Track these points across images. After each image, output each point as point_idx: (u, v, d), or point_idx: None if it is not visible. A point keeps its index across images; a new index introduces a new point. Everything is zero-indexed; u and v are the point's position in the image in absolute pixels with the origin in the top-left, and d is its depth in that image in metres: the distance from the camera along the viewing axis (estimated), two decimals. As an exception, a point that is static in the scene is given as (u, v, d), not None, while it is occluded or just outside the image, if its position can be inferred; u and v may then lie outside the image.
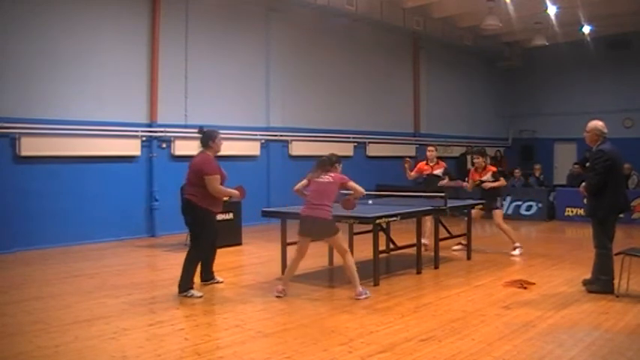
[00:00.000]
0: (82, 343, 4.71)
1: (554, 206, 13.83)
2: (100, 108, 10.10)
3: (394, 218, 7.01)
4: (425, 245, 8.46)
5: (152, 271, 8.22)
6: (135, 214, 10.67)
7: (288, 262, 6.34)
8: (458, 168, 15.93)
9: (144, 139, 10.72)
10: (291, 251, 7.29)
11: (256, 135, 12.57)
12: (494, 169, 9.32)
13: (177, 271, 7.74)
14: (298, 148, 13.35)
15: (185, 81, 11.36)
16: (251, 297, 6.31)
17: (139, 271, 8.01)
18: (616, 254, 6.22)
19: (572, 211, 13.31)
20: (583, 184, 6.53)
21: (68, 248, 9.29)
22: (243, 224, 9.91)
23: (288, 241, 7.40)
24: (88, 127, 9.86)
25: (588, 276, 6.55)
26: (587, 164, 6.97)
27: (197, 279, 6.76)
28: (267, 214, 7.86)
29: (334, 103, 14.38)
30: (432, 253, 7.95)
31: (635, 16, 14.79)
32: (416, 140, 16.70)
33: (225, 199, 6.57)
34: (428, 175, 9.68)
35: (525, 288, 6.66)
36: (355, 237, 7.99)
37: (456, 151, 17.45)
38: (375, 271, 6.80)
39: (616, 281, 6.19)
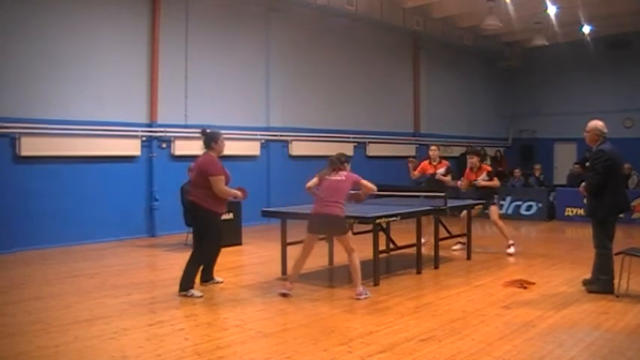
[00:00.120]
0: (82, 343, 4.71)
1: (554, 206, 13.83)
2: (100, 108, 10.10)
3: (394, 218, 7.02)
4: (424, 244, 8.51)
5: (152, 271, 8.22)
6: (135, 214, 10.67)
7: (294, 261, 6.33)
8: (458, 168, 15.92)
9: (144, 139, 10.72)
10: (291, 251, 7.31)
11: (256, 135, 12.57)
12: (489, 168, 9.36)
13: (177, 271, 7.73)
14: (298, 148, 13.35)
15: (185, 81, 11.36)
16: (251, 297, 6.31)
17: (139, 271, 8.01)
18: (616, 254, 6.22)
19: (572, 211, 13.31)
20: (583, 184, 6.53)
21: (68, 248, 9.29)
22: (243, 224, 9.91)
23: (288, 241, 7.41)
24: (88, 127, 9.86)
25: (588, 276, 6.55)
26: (587, 164, 6.97)
27: (197, 279, 6.77)
28: (267, 214, 7.86)
29: (334, 103, 14.38)
30: (432, 253, 7.95)
31: (635, 16, 14.79)
32: (416, 140, 16.71)
33: (229, 199, 6.59)
34: (431, 174, 9.72)
35: (525, 288, 6.66)
36: (355, 237, 7.95)
37: (456, 151, 17.45)
38: (375, 271, 6.81)
39: (616, 281, 6.19)
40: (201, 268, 6.55)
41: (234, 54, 12.28)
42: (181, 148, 11.14)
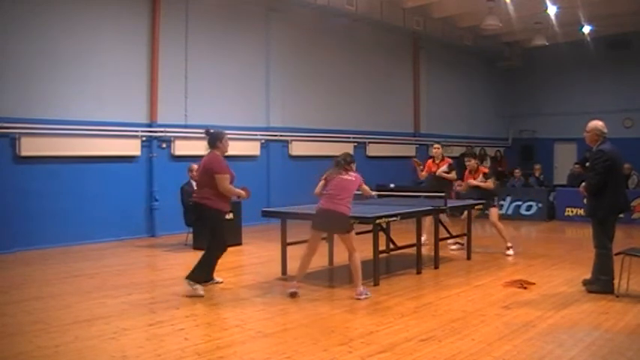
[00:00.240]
0: (82, 343, 4.71)
1: (554, 206, 13.83)
2: (100, 108, 10.10)
3: (394, 218, 7.02)
4: (424, 243, 8.62)
5: (152, 271, 8.22)
6: (135, 214, 10.67)
7: (300, 259, 6.33)
8: (458, 168, 15.91)
9: (144, 139, 10.72)
10: (291, 251, 7.32)
11: (256, 135, 12.57)
12: (485, 170, 9.33)
13: (177, 271, 7.75)
14: (298, 148, 13.35)
15: (185, 81, 11.36)
16: (251, 297, 6.31)
17: (139, 271, 8.01)
18: (616, 254, 6.22)
19: (572, 211, 13.31)
20: (583, 184, 6.53)
21: (68, 248, 9.29)
22: (243, 224, 9.91)
23: (288, 241, 7.41)
24: (88, 127, 9.86)
25: (588, 276, 6.55)
26: (587, 164, 6.97)
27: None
28: (267, 214, 7.86)
29: (334, 103, 14.38)
30: (432, 253, 7.94)
31: (635, 16, 14.79)
32: (416, 140, 16.72)
33: (234, 198, 6.61)
34: (433, 172, 9.84)
35: (525, 288, 6.66)
36: (355, 237, 7.97)
37: (456, 151, 17.44)
38: (375, 271, 6.81)
39: (616, 281, 6.19)
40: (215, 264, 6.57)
41: (234, 54, 12.28)
42: (181, 148, 11.15)
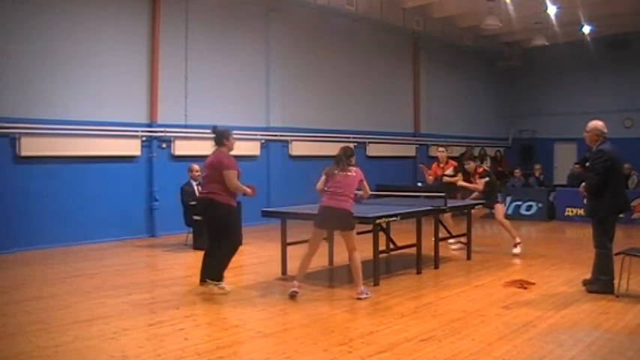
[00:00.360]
0: (82, 343, 4.71)
1: (554, 206, 13.82)
2: (100, 108, 10.10)
3: (394, 218, 7.02)
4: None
5: (152, 271, 8.22)
6: (135, 214, 10.67)
7: (300, 259, 6.32)
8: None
9: (144, 139, 10.72)
10: (291, 251, 7.32)
11: (256, 135, 12.57)
12: (480, 170, 9.28)
13: (177, 271, 7.77)
14: (298, 148, 13.35)
15: (185, 81, 11.36)
16: (251, 297, 6.31)
17: (139, 271, 8.01)
18: (616, 254, 6.22)
19: (572, 211, 13.31)
20: (583, 184, 6.53)
21: (68, 248, 9.28)
22: (243, 224, 9.87)
23: (288, 241, 7.42)
24: (88, 127, 9.86)
25: (588, 276, 6.55)
26: (587, 164, 6.97)
27: (197, 279, 6.77)
28: (267, 214, 7.86)
29: (334, 103, 14.38)
30: (432, 253, 7.94)
31: (635, 16, 14.79)
32: (416, 140, 16.72)
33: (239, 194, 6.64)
34: (439, 176, 9.98)
35: (525, 288, 6.66)
36: (356, 237, 7.98)
37: (456, 151, 17.45)
38: (375, 271, 6.81)
39: (616, 281, 6.19)
40: (199, 267, 6.56)
41: (234, 54, 12.28)
42: (181, 148, 11.15)
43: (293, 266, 6.81)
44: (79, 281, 7.05)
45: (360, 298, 6.09)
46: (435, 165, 10.20)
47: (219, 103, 11.89)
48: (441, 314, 5.59)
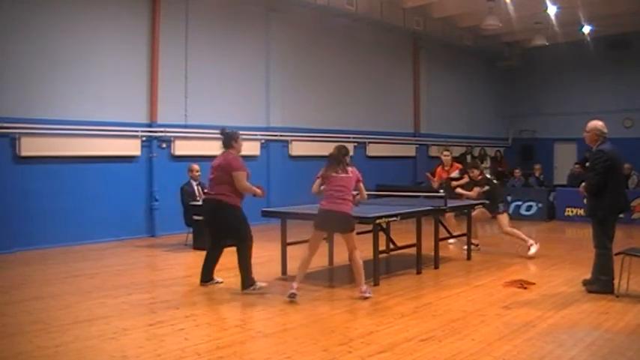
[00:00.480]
0: (82, 343, 4.71)
1: (554, 206, 13.83)
2: (100, 108, 10.10)
3: (394, 218, 7.02)
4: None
5: (152, 271, 8.22)
6: (135, 214, 10.67)
7: (300, 260, 6.30)
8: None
9: (144, 139, 10.72)
10: (291, 251, 7.31)
11: (256, 135, 12.57)
12: (479, 178, 9.24)
13: (177, 271, 7.77)
14: (298, 148, 13.35)
15: (185, 81, 11.36)
16: (251, 297, 6.30)
17: (139, 271, 8.01)
18: (616, 254, 6.22)
19: (572, 211, 13.31)
20: (583, 184, 6.53)
21: (68, 248, 9.28)
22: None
23: (288, 241, 7.42)
24: (88, 127, 9.86)
25: (588, 276, 6.55)
26: (587, 164, 6.97)
27: (196, 279, 6.77)
28: (267, 214, 7.85)
29: (334, 103, 14.38)
30: (432, 253, 7.94)
31: (635, 16, 14.79)
32: (416, 140, 16.72)
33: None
34: (445, 179, 9.99)
35: (525, 288, 6.66)
36: (355, 237, 7.98)
37: (456, 151, 17.45)
38: (375, 271, 6.80)
39: (616, 281, 6.19)
40: (199, 266, 6.57)
41: (234, 54, 12.28)
42: (181, 148, 11.15)
43: (293, 266, 6.81)
44: (79, 281, 7.05)
45: (364, 297, 6.09)
46: (439, 168, 10.20)
47: (219, 103, 11.89)
48: (441, 314, 5.59)
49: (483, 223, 10.34)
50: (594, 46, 16.90)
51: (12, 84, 9.12)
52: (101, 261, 8.42)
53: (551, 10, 14.04)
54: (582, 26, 15.55)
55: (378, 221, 6.70)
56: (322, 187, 6.27)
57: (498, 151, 18.97)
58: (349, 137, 14.40)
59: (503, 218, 8.87)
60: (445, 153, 10.27)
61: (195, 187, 9.65)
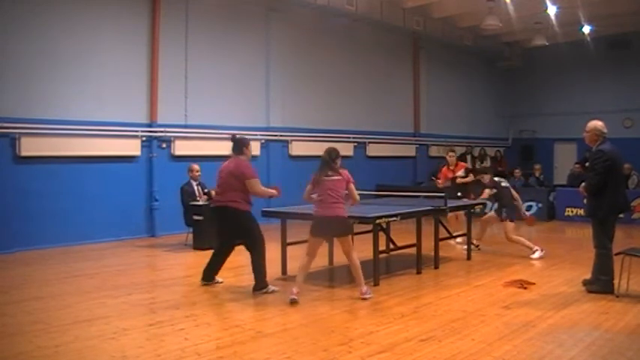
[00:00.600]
0: (82, 343, 4.71)
1: (554, 206, 13.83)
2: (100, 108, 10.10)
3: (394, 218, 7.02)
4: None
5: (152, 271, 8.22)
6: (135, 214, 10.67)
7: (299, 265, 6.27)
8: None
9: (144, 139, 10.72)
10: (291, 251, 7.32)
11: (256, 135, 12.55)
12: (487, 182, 9.26)
13: (177, 271, 7.77)
14: (298, 148, 13.35)
15: (185, 81, 11.36)
16: (251, 297, 6.30)
17: (139, 271, 8.01)
18: (616, 254, 6.22)
19: (572, 211, 13.31)
20: (583, 184, 6.53)
21: (68, 248, 9.28)
22: (243, 224, 9.89)
23: (288, 241, 7.43)
24: (88, 127, 9.86)
25: (588, 276, 6.55)
26: (587, 164, 6.97)
27: (197, 279, 6.78)
28: (267, 214, 7.84)
29: (334, 103, 14.38)
30: (432, 253, 7.94)
31: (635, 16, 14.79)
32: (416, 140, 16.72)
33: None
34: (451, 178, 10.27)
35: (525, 288, 6.66)
36: (355, 237, 7.96)
37: (456, 151, 17.42)
38: (375, 271, 6.80)
39: (616, 281, 6.19)
40: (199, 266, 6.58)
41: (234, 54, 12.28)
42: (181, 148, 11.15)
43: (293, 266, 6.82)
44: (79, 281, 7.05)
45: (364, 298, 6.08)
46: (444, 169, 10.51)
47: (219, 103, 11.90)
48: (441, 314, 5.59)
49: (492, 227, 10.32)
50: (594, 46, 16.90)
51: (12, 84, 9.12)
52: (101, 261, 8.42)
53: (551, 10, 14.04)
54: (582, 26, 15.55)
55: (378, 221, 6.69)
56: (313, 195, 6.18)
57: (498, 151, 18.96)
58: (349, 137, 14.42)
59: (508, 225, 8.78)
60: (450, 154, 10.67)
61: (195, 187, 9.65)
